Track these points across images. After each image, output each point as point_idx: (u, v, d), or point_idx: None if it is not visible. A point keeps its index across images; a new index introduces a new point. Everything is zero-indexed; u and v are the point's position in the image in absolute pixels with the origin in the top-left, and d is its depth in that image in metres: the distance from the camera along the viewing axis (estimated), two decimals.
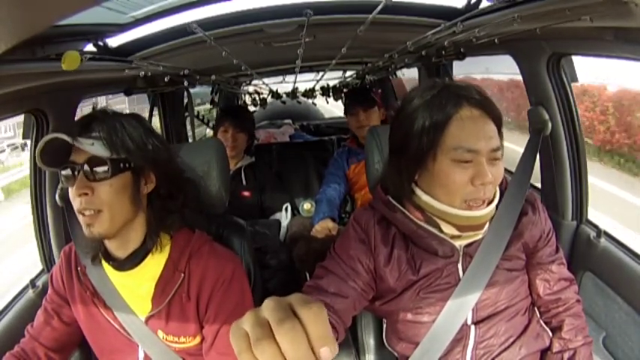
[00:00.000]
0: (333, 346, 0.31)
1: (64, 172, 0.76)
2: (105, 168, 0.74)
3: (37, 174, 1.13)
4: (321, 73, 2.67)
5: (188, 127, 2.09)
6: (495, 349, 0.84)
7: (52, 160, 0.74)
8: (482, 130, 0.73)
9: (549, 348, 0.88)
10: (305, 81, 3.04)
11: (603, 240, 1.07)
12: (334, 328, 0.73)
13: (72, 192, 0.75)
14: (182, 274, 0.82)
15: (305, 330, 0.31)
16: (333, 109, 4.43)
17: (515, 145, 1.30)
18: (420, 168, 0.77)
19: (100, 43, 1.00)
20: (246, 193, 1.83)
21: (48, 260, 1.18)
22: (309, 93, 3.00)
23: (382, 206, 0.84)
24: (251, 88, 3.10)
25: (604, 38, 0.80)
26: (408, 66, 1.99)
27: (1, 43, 0.47)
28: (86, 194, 0.73)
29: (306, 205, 1.86)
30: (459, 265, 0.82)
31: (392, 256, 0.82)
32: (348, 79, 3.03)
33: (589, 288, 1.08)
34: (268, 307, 0.32)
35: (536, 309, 0.90)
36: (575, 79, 1.10)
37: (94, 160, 0.74)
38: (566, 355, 0.86)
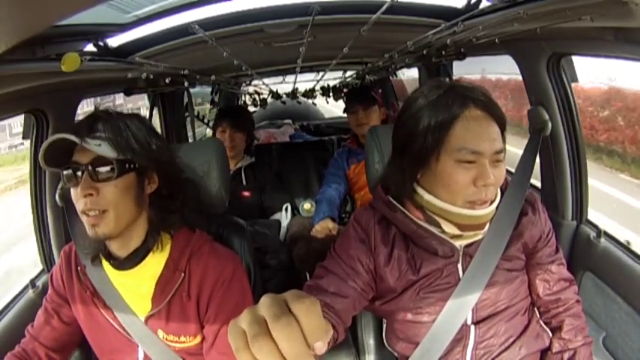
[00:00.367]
0: (325, 339, 0.32)
1: (66, 173, 0.76)
2: (109, 168, 0.74)
3: (37, 174, 1.13)
4: (321, 74, 2.67)
5: (188, 127, 2.09)
6: (495, 349, 0.84)
7: (54, 160, 0.74)
8: (487, 132, 0.73)
9: (549, 348, 0.88)
10: (305, 81, 3.04)
11: (603, 240, 1.07)
12: (334, 328, 0.73)
13: (75, 192, 0.75)
14: (182, 274, 0.82)
15: (299, 325, 0.31)
16: (333, 109, 4.42)
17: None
18: (422, 167, 0.77)
19: (100, 43, 1.00)
20: (246, 193, 1.82)
21: (48, 260, 1.18)
22: (309, 93, 3.00)
23: (382, 206, 0.84)
24: (251, 89, 3.09)
25: (604, 38, 0.80)
26: (409, 66, 2.00)
27: (1, 43, 0.47)
28: (91, 195, 0.73)
29: (306, 205, 1.86)
30: (459, 265, 0.82)
31: (392, 256, 0.82)
32: (348, 79, 3.03)
33: (589, 288, 1.08)
34: (265, 305, 0.33)
35: (536, 309, 0.90)
36: (575, 79, 1.10)
37: (99, 161, 0.74)
38: (566, 356, 0.86)
